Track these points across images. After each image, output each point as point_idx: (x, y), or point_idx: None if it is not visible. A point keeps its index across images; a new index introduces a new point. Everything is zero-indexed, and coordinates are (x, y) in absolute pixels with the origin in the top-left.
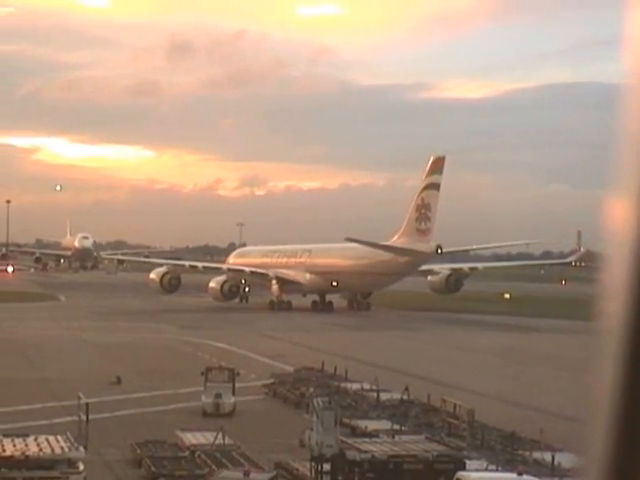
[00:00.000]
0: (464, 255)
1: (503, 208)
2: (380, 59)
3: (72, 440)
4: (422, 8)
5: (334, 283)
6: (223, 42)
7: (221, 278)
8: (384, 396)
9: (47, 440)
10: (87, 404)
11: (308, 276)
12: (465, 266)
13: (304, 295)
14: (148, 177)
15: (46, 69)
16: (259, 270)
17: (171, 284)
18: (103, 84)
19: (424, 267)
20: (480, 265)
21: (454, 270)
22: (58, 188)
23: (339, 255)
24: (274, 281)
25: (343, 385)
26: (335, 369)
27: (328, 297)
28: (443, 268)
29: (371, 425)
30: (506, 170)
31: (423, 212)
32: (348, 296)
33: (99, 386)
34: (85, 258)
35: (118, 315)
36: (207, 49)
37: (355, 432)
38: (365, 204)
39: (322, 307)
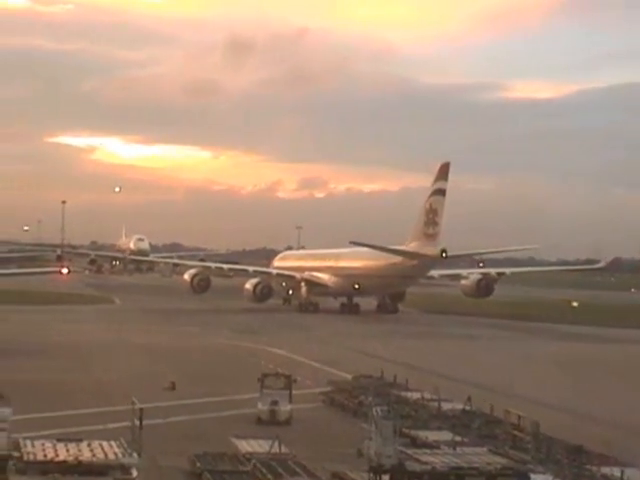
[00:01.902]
0: (486, 259)
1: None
2: (443, 57)
3: (125, 446)
4: (486, 5)
5: (356, 285)
6: (284, 39)
7: (255, 280)
8: (445, 406)
9: (100, 445)
10: (141, 409)
11: (334, 279)
12: (493, 271)
13: (335, 298)
14: (205, 178)
15: (104, 68)
16: (286, 272)
17: (200, 285)
18: (161, 83)
19: (452, 272)
20: (508, 270)
21: (484, 275)
22: (117, 190)
23: (358, 258)
24: (302, 283)
25: (403, 394)
26: (395, 377)
27: (361, 301)
28: (471, 273)
29: (432, 436)
30: (568, 175)
31: (430, 217)
32: (377, 299)
33: (153, 391)
34: (140, 260)
35: (172, 318)
36: (267, 46)
37: (415, 443)
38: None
39: (349, 309)
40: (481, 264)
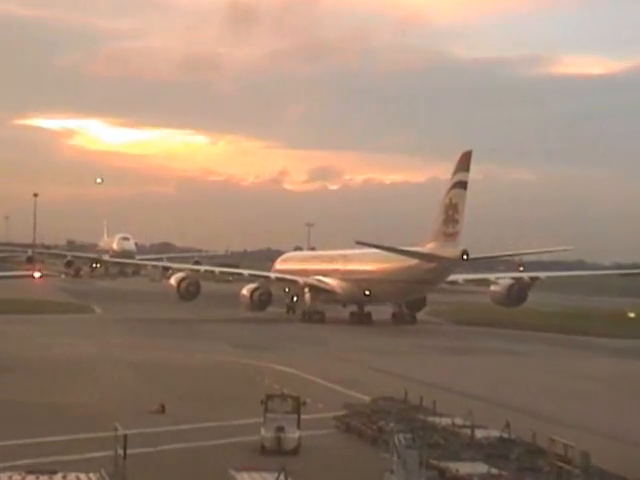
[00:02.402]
0: (532, 262)
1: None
2: (481, 28)
3: (107, 478)
4: None
5: (367, 292)
6: (293, 8)
7: (253, 285)
8: (480, 433)
9: (77, 478)
10: (125, 436)
11: (342, 284)
12: (526, 275)
13: (344, 305)
14: (201, 167)
15: (84, 39)
16: (287, 277)
17: (188, 291)
18: (150, 57)
19: (478, 276)
20: (542, 275)
21: (516, 279)
22: (99, 181)
23: (369, 260)
24: (306, 289)
25: (430, 419)
26: (420, 399)
27: (374, 309)
28: (501, 277)
29: (464, 468)
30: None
31: (450, 214)
32: (393, 307)
33: (140, 415)
34: (125, 263)
35: (161, 330)
36: (274, 16)
37: (444, 476)
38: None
39: (359, 319)
40: (521, 268)
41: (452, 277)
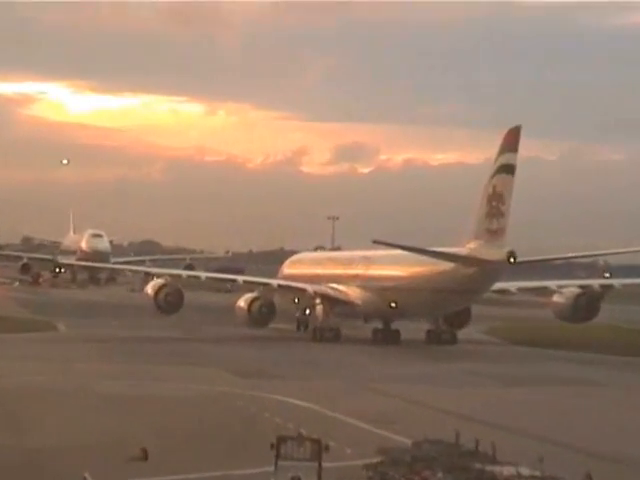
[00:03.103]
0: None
1: None
2: None
3: None
4: None
5: (393, 304)
6: None
7: (251, 295)
8: None
9: None
10: None
11: (363, 294)
12: (595, 283)
13: (365, 321)
14: (195, 145)
15: None
16: (293, 284)
17: (168, 302)
18: (130, 4)
19: (535, 284)
20: (616, 282)
21: (584, 288)
22: (64, 162)
23: (397, 263)
24: (317, 300)
25: (489, 468)
26: (476, 443)
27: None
28: (564, 286)
29: None
30: None
31: (494, 205)
32: (429, 323)
33: (115, 463)
34: (97, 268)
35: (141, 353)
36: None
37: None
38: (529, 187)
39: (384, 337)
40: (607, 274)
41: (502, 285)
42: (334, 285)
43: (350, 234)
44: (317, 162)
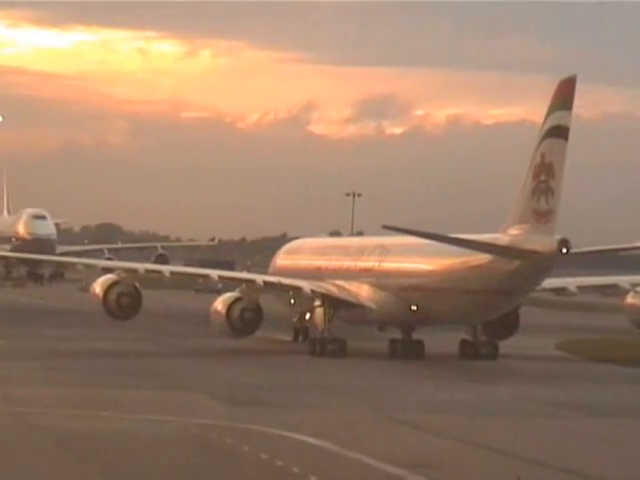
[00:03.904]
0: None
1: None
2: None
3: None
4: None
5: (414, 307)
6: None
7: (231, 296)
8: None
9: None
10: None
11: (377, 293)
12: None
13: (381, 329)
14: (169, 97)
15: None
16: (285, 281)
17: (120, 304)
18: None
19: (599, 280)
20: None
21: None
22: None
23: (420, 254)
24: (317, 302)
25: None
26: None
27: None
28: (636, 282)
29: None
30: None
31: (543, 179)
32: (466, 332)
33: None
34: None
35: (102, 373)
36: None
37: None
38: (625, 153)
39: (404, 350)
40: None
41: (558, 282)
42: (339, 282)
43: (376, 215)
44: (332, 120)
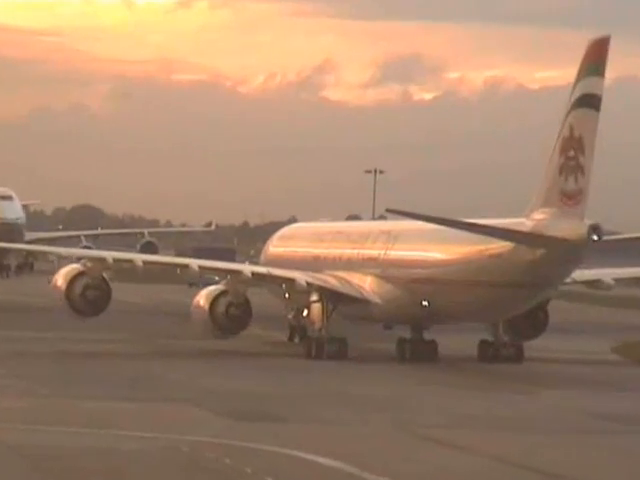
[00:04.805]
0: None
1: None
2: None
3: None
4: None
5: (425, 302)
6: None
7: (216, 289)
8: None
9: None
10: None
11: (383, 286)
12: None
13: (387, 327)
14: (158, 57)
15: None
16: (276, 272)
17: (86, 298)
18: None
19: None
20: None
21: None
22: None
23: (432, 240)
24: (313, 296)
25: None
26: None
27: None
28: None
29: None
30: None
31: (571, 156)
32: (489, 331)
33: None
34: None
35: (80, 379)
36: None
37: None
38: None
39: (413, 351)
40: None
41: (592, 274)
42: (340, 273)
43: (401, 197)
44: (350, 84)
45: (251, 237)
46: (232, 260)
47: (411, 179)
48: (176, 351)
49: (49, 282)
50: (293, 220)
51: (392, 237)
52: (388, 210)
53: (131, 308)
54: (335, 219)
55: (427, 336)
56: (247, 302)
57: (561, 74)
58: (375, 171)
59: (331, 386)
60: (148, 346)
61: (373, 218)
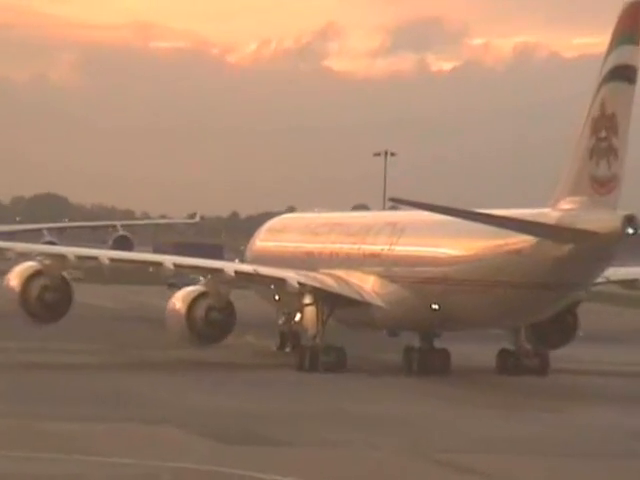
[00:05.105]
0: None
1: None
2: None
3: None
4: None
5: (435, 305)
6: None
7: (194, 290)
8: None
9: None
10: None
11: (387, 287)
12: None
13: (392, 334)
14: (135, 21)
15: None
16: (266, 271)
17: (44, 302)
18: None
19: None
20: None
21: None
22: None
23: (444, 234)
24: (307, 299)
25: None
26: None
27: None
28: None
29: None
30: None
31: (603, 136)
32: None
33: None
34: None
35: (41, 394)
36: None
37: None
38: None
39: (422, 361)
40: None
41: (627, 273)
42: (337, 272)
43: (416, 183)
44: (357, 52)
45: (242, 230)
46: (220, 257)
47: (427, 163)
48: (153, 363)
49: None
50: (290, 211)
51: (398, 230)
52: (391, 199)
53: (101, 313)
54: (335, 209)
55: (438, 344)
56: (230, 305)
57: (602, 40)
58: (386, 153)
59: (329, 403)
60: (121, 357)
61: (383, 208)
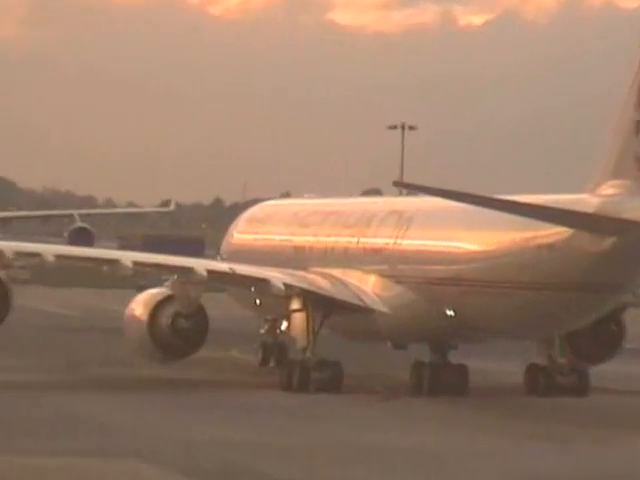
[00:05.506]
0: None
1: None
2: None
3: None
4: None
5: (450, 312)
6: None
7: (160, 292)
8: None
9: None
10: None
11: (392, 290)
12: None
13: (397, 346)
14: None
15: None
16: (246, 270)
17: None
18: None
19: None
20: None
21: None
22: None
23: (460, 228)
24: (295, 304)
25: None
26: None
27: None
28: None
29: None
30: None
31: None
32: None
33: None
34: None
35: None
36: None
37: None
38: None
39: (434, 378)
40: None
41: None
42: (331, 271)
43: (441, 161)
44: (367, 3)
45: (226, 221)
46: (200, 253)
47: (453, 138)
48: (117, 383)
49: None
50: (286, 198)
51: (405, 220)
52: (395, 184)
53: (55, 322)
54: (332, 195)
55: (453, 359)
56: (201, 311)
57: None
58: (403, 127)
59: (324, 431)
60: (77, 375)
61: (400, 194)
